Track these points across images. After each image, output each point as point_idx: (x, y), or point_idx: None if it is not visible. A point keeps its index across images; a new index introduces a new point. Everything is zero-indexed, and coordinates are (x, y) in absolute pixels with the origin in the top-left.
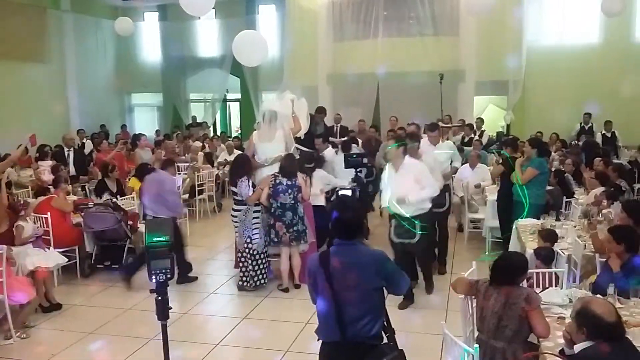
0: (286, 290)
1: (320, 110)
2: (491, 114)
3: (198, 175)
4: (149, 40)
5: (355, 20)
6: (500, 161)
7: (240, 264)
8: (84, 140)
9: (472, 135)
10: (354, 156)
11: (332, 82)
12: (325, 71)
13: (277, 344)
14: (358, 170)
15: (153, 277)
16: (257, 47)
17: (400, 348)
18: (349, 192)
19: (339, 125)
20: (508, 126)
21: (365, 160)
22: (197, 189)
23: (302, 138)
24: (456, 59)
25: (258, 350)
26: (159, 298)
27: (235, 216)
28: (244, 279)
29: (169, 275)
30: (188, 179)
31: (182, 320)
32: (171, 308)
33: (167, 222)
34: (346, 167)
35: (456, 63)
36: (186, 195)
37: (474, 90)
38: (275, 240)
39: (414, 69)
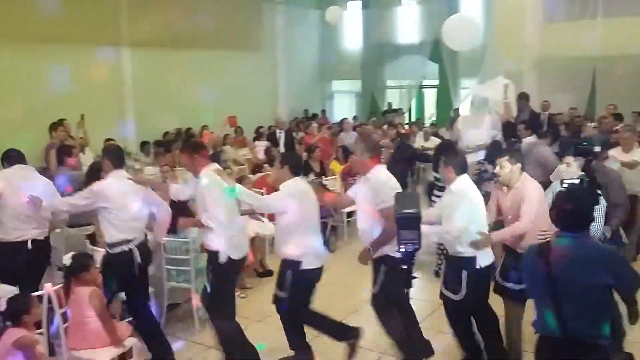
0: None
1: (523, 96)
2: None
3: None
4: (350, 28)
5: None
6: None
7: (437, 249)
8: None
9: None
10: (585, 143)
11: (539, 67)
12: (533, 55)
13: None
14: (589, 158)
15: (402, 246)
16: (468, 31)
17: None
18: (576, 181)
19: (547, 113)
20: None
21: (597, 148)
22: None
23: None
24: None
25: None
26: (405, 267)
27: (435, 202)
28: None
29: (417, 246)
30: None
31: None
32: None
33: (416, 195)
34: (575, 154)
35: None
36: None
37: None
38: None
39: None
